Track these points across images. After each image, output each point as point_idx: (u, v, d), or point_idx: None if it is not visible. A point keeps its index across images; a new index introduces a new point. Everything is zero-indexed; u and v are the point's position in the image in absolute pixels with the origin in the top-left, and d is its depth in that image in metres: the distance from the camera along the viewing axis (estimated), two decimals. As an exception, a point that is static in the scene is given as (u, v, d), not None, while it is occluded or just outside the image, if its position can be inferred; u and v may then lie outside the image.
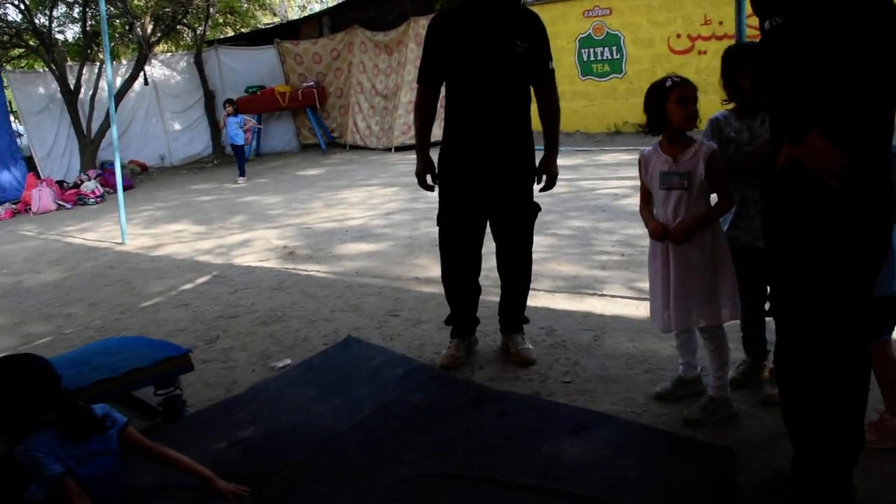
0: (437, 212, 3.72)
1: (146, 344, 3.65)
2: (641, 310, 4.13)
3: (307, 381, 3.56)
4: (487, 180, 3.53)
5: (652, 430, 2.77)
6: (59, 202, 11.64)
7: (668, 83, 2.83)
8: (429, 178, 3.72)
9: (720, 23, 10.35)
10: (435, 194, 3.77)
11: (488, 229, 3.73)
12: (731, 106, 3.00)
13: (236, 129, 11.85)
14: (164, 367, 3.36)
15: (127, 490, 2.70)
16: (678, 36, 10.85)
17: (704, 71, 10.61)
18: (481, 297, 3.90)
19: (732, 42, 8.18)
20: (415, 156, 3.78)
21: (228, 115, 12.08)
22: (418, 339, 4.23)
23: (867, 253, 2.13)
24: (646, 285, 4.30)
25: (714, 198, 2.91)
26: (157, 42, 14.90)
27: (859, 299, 2.15)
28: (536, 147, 3.62)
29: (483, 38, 3.42)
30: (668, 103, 2.82)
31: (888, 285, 2.45)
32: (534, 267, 3.90)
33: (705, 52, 10.62)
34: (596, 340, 3.89)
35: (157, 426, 3.47)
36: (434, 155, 3.69)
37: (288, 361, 4.10)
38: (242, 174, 11.88)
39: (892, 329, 2.61)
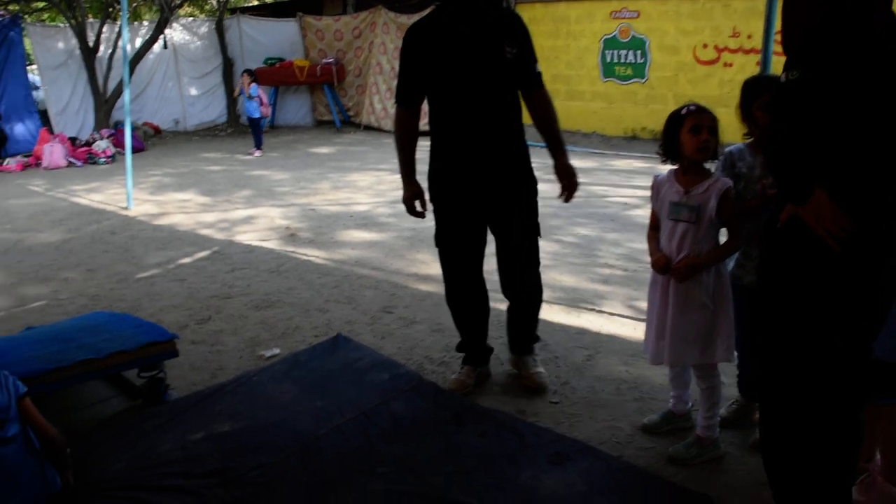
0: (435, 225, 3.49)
1: (133, 324, 3.60)
2: (638, 331, 4.06)
3: (291, 377, 3.51)
4: (485, 196, 3.31)
5: (633, 469, 2.71)
6: (70, 159, 11.59)
7: (684, 111, 2.75)
8: (417, 205, 3.43)
9: (749, 36, 10.17)
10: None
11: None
12: (750, 140, 2.90)
13: (252, 102, 11.74)
14: (149, 351, 3.32)
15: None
16: (704, 46, 10.66)
17: (728, 84, 10.46)
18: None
19: (758, 56, 8.03)
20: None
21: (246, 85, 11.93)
22: (410, 340, 4.17)
23: (871, 314, 2.06)
24: (646, 305, 4.26)
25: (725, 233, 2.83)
26: (180, 6, 14.77)
27: (856, 361, 2.08)
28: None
29: (468, 48, 3.15)
30: (682, 132, 2.74)
31: None
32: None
33: (731, 65, 10.44)
34: (589, 360, 3.83)
35: (137, 408, 3.44)
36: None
37: (276, 351, 4.06)
38: (258, 146, 11.80)
39: None
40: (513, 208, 3.35)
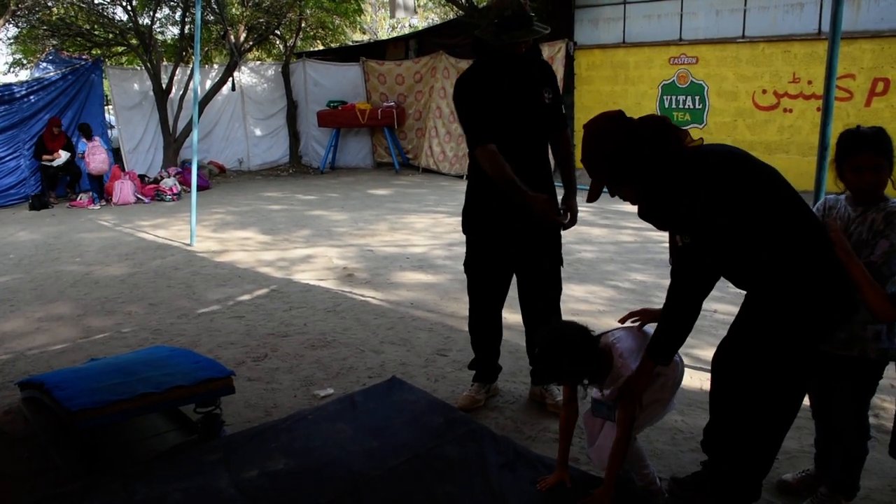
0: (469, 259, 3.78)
1: (192, 360, 3.69)
2: (695, 380, 3.99)
3: (346, 418, 3.53)
4: (517, 231, 3.53)
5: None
6: (138, 195, 12.04)
7: None
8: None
9: (809, 82, 10.02)
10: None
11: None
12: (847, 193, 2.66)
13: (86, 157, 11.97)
14: (206, 387, 3.39)
15: None
16: (764, 91, 10.53)
17: (788, 130, 10.32)
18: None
19: (819, 102, 7.83)
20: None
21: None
22: (463, 383, 4.15)
23: None
24: (703, 353, 4.18)
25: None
26: (249, 50, 15.32)
27: None
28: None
29: (513, 97, 3.43)
30: None
31: None
32: (589, 320, 3.82)
33: (791, 111, 10.28)
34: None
35: (193, 442, 3.50)
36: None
37: (330, 391, 4.09)
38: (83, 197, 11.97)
39: None
40: (540, 241, 3.61)
